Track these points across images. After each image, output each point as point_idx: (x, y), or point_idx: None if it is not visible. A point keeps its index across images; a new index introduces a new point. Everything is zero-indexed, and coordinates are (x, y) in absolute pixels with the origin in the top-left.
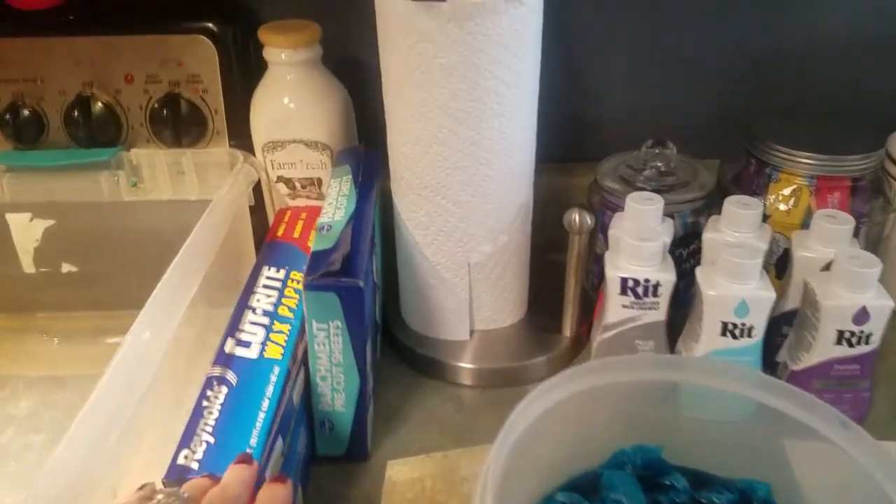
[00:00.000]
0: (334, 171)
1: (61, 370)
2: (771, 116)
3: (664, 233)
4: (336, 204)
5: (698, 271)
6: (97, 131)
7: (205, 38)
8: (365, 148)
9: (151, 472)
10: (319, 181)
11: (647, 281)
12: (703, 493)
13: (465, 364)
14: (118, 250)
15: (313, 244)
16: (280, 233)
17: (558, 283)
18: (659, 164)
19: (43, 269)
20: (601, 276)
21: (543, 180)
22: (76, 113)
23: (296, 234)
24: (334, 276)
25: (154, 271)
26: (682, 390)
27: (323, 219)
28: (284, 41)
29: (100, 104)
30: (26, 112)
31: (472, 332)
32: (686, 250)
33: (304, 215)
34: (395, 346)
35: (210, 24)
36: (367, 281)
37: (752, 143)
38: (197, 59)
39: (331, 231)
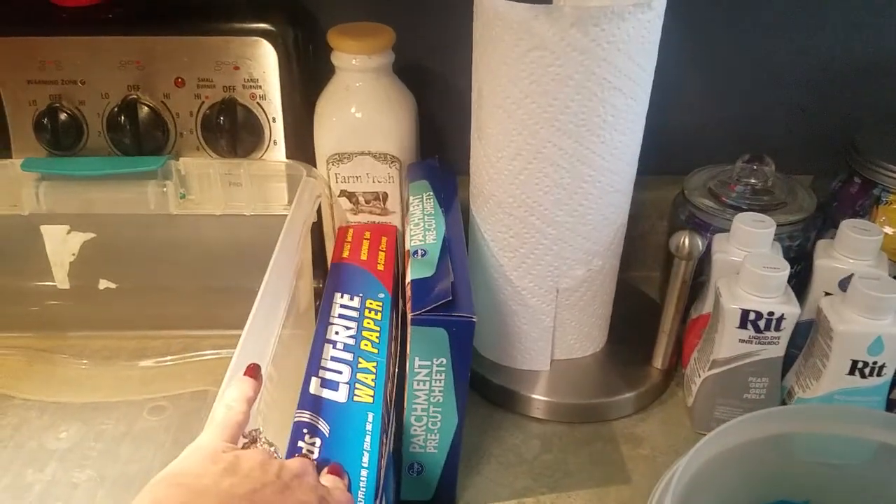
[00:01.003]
0: (412, 186)
1: (96, 396)
2: (875, 129)
3: (782, 259)
4: (424, 225)
5: (823, 303)
6: (143, 138)
7: (264, 40)
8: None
9: None
10: (385, 196)
11: (770, 314)
12: None
13: (546, 397)
14: (160, 267)
15: (411, 271)
16: (346, 254)
17: (635, 307)
18: (753, 181)
19: (78, 285)
20: (688, 302)
21: None
22: (122, 118)
23: (363, 256)
24: (445, 309)
25: (197, 290)
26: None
27: (413, 241)
28: (357, 46)
29: (146, 108)
30: (64, 115)
31: (551, 362)
32: None
33: (367, 234)
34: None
35: (270, 26)
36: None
37: (858, 159)
38: (255, 62)
39: (427, 257)
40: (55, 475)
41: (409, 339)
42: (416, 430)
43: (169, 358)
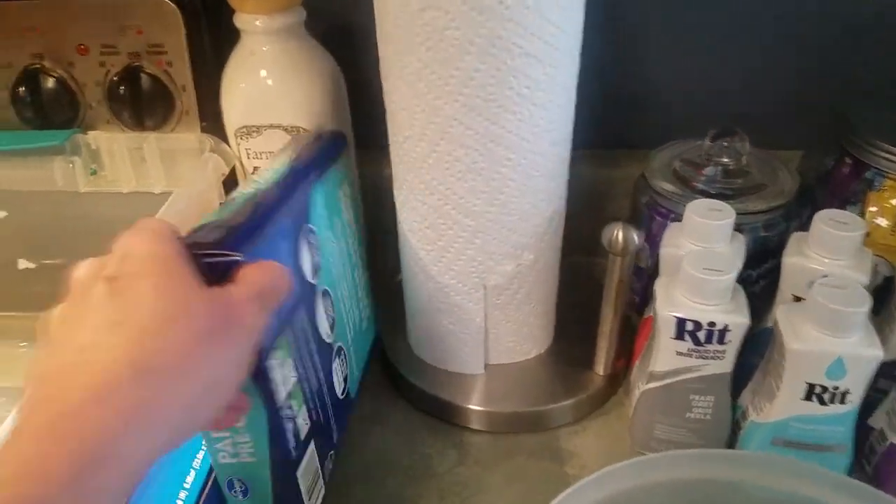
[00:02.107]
0: (279, 151)
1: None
2: (873, 103)
3: (735, 256)
4: (258, 179)
5: (779, 313)
6: (49, 111)
7: (168, 0)
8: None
9: None
10: None
11: (711, 325)
12: None
13: (475, 406)
14: (77, 246)
15: (209, 216)
16: None
17: (590, 301)
18: (726, 161)
19: None
20: (645, 296)
21: (577, 169)
22: (22, 89)
23: None
24: (214, 247)
25: None
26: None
27: (232, 194)
28: (257, 5)
29: (51, 79)
30: None
31: (486, 366)
32: (755, 272)
33: None
34: (391, 375)
35: None
36: (277, 255)
37: (850, 137)
38: (160, 25)
39: (233, 202)
40: None
41: None
42: (217, 433)
43: None
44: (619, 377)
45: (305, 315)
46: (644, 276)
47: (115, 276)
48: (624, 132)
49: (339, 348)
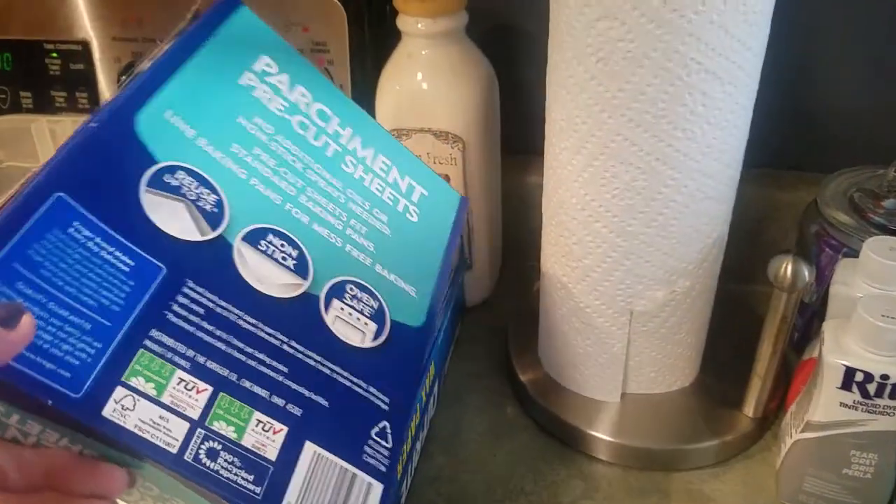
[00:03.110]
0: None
1: None
2: None
3: None
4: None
5: None
6: None
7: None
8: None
9: None
10: (447, 179)
11: (884, 378)
12: None
13: (607, 436)
14: None
15: None
16: None
17: (744, 333)
18: None
19: None
20: (806, 333)
21: (740, 189)
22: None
23: None
24: None
25: None
26: None
27: None
28: (422, 8)
29: None
30: None
31: (623, 394)
32: None
33: None
34: (518, 392)
35: None
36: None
37: None
38: (325, 24)
39: None
40: None
41: None
42: None
43: None
44: (768, 420)
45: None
46: (807, 312)
47: None
48: (797, 152)
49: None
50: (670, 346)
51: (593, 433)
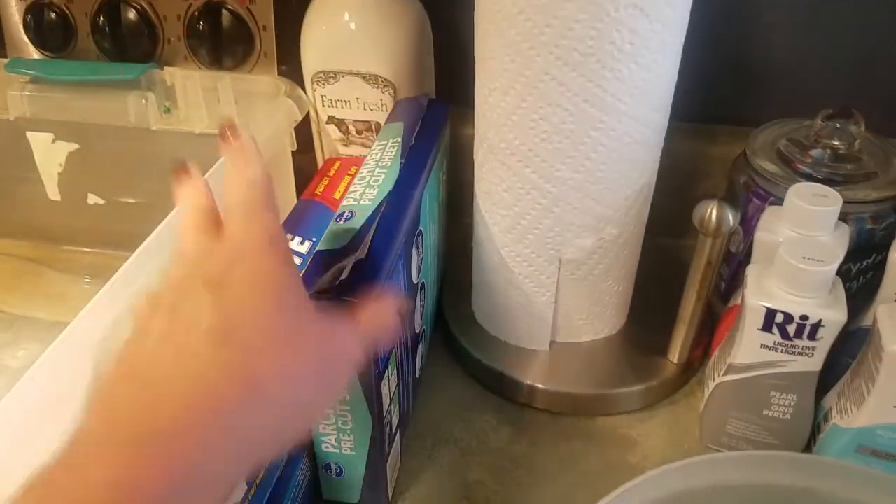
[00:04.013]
0: (384, 128)
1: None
2: None
3: (837, 247)
4: (370, 179)
5: (879, 312)
6: (128, 42)
7: None
8: (440, 96)
9: None
10: (378, 127)
11: (804, 318)
12: None
13: (535, 383)
14: (147, 184)
15: (323, 238)
16: (320, 190)
17: (671, 286)
18: (837, 144)
19: (68, 198)
20: (732, 283)
21: (670, 143)
22: (102, 19)
23: (337, 195)
24: (337, 293)
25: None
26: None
27: (347, 200)
28: None
29: (132, 10)
30: (52, 14)
31: (552, 343)
32: (856, 267)
33: (353, 169)
34: (451, 342)
35: None
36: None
37: None
38: None
39: (350, 221)
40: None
41: None
42: (325, 429)
43: None
44: (693, 367)
45: (418, 310)
46: (734, 262)
47: (222, 283)
48: (726, 106)
49: (422, 285)
50: (598, 294)
51: (523, 381)
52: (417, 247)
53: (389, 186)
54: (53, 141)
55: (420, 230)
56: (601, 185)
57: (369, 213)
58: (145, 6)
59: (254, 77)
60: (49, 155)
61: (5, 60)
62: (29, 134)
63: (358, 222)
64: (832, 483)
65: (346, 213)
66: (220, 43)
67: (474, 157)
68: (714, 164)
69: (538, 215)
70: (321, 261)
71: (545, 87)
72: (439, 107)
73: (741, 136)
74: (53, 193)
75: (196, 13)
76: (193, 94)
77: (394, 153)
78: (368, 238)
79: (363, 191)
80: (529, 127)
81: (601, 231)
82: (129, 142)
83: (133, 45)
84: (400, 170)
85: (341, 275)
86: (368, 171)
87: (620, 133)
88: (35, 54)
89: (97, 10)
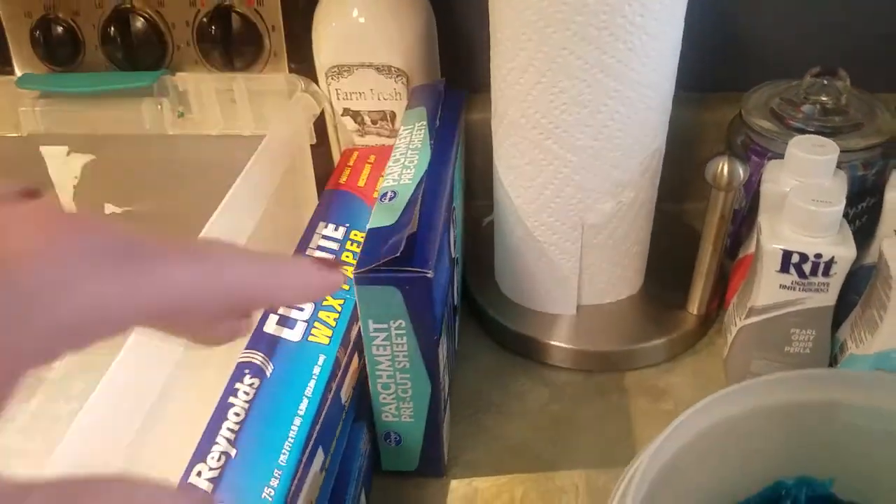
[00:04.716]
0: (406, 114)
1: None
2: None
3: (839, 190)
4: (404, 161)
5: (885, 244)
6: (138, 51)
7: None
8: (447, 84)
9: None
10: (393, 116)
11: (818, 256)
12: None
13: (566, 344)
14: (165, 190)
15: (372, 217)
16: (343, 179)
17: (681, 246)
18: (824, 99)
19: (84, 209)
20: (737, 239)
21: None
22: (113, 29)
23: (361, 183)
24: (394, 265)
25: (206, 215)
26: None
27: (386, 181)
28: None
29: (140, 20)
30: (59, 28)
31: (578, 307)
32: (852, 210)
33: (372, 158)
34: (478, 315)
35: None
36: (440, 266)
37: None
38: None
39: (395, 200)
40: (40, 407)
41: (357, 299)
42: (385, 398)
43: None
44: (711, 319)
45: (453, 284)
46: (737, 218)
47: None
48: (716, 74)
49: (457, 259)
50: (618, 257)
51: (554, 343)
52: (453, 222)
53: (425, 166)
54: (68, 154)
55: (454, 206)
56: (618, 152)
57: (411, 191)
58: (153, 14)
59: (268, 76)
60: (64, 168)
61: (14, 78)
62: (42, 148)
63: (402, 200)
64: (858, 393)
65: (389, 194)
66: (230, 45)
67: (493, 135)
68: (709, 130)
69: (560, 184)
70: (375, 238)
71: (563, 61)
72: (455, 91)
73: (733, 102)
74: (69, 207)
75: (204, 18)
76: (207, 97)
77: (422, 135)
78: (416, 213)
79: (400, 172)
80: (549, 100)
81: (619, 195)
82: (144, 149)
83: (143, 54)
84: (431, 150)
85: (398, 248)
86: (401, 154)
87: (634, 100)
88: (43, 70)
89: (107, 21)
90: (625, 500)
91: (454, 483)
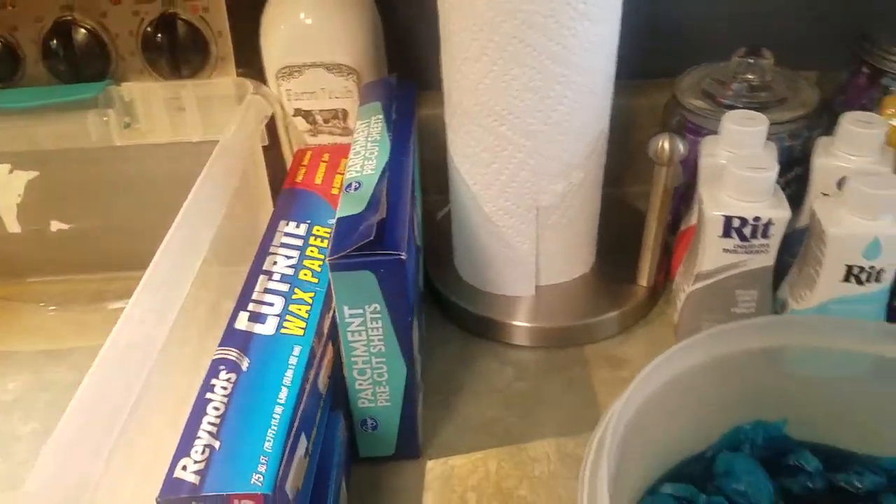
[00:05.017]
0: (361, 109)
1: (58, 343)
2: (889, 19)
3: (771, 158)
4: (365, 153)
5: (816, 205)
6: (81, 63)
7: None
8: (397, 78)
9: (148, 487)
10: (345, 114)
11: (756, 219)
12: (840, 475)
13: (526, 322)
14: (113, 203)
15: (339, 207)
16: (299, 178)
17: (625, 226)
18: (751, 77)
19: (29, 228)
20: (677, 215)
21: None
22: (55, 42)
23: (318, 181)
24: (369, 249)
25: (156, 226)
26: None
27: (350, 173)
28: None
29: (82, 31)
30: None
31: (536, 288)
32: (783, 179)
33: (326, 157)
34: (441, 303)
35: None
36: (410, 250)
37: (867, 47)
38: None
39: (360, 190)
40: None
41: (332, 286)
42: (361, 384)
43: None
44: (659, 290)
45: (419, 271)
46: (676, 196)
47: None
48: (648, 62)
49: (419, 247)
50: (571, 236)
51: (515, 323)
52: (416, 210)
53: (386, 157)
54: (11, 171)
55: (415, 195)
56: (567, 134)
57: (375, 180)
58: (95, 25)
59: (216, 81)
60: (6, 186)
61: None
62: None
63: (367, 190)
64: (802, 336)
65: (354, 184)
66: (176, 53)
67: (447, 126)
68: (645, 116)
69: (515, 168)
70: (346, 226)
71: (513, 49)
72: (407, 85)
73: (664, 87)
74: (12, 226)
75: (149, 27)
76: (155, 105)
77: (380, 128)
78: (383, 200)
79: (362, 163)
80: (501, 88)
81: (570, 176)
82: (91, 163)
83: (86, 66)
84: (390, 142)
85: (371, 232)
86: (361, 146)
87: (579, 84)
88: None
89: (47, 35)
90: (598, 460)
91: (430, 463)
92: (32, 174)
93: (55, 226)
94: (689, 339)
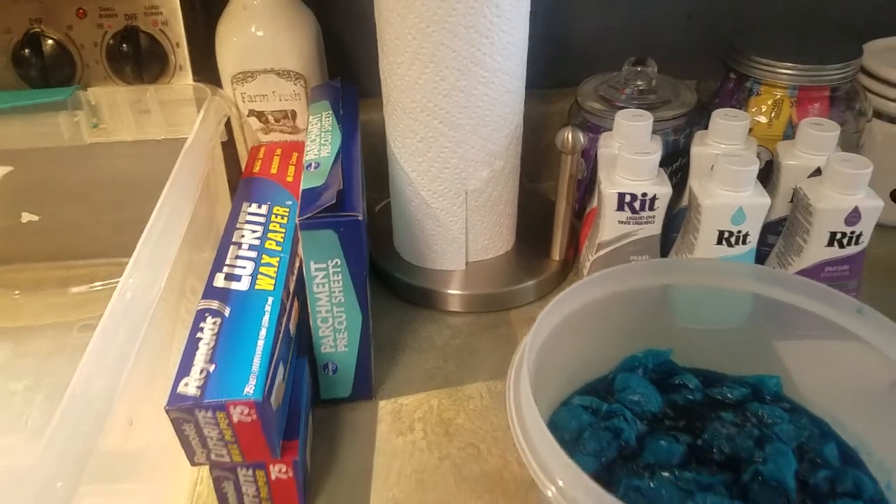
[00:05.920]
0: (312, 107)
1: (28, 322)
2: (753, 32)
3: (656, 146)
4: (320, 140)
5: (692, 183)
6: (50, 70)
7: None
8: (341, 82)
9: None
10: (294, 114)
11: (644, 195)
12: (714, 389)
13: (459, 291)
14: (80, 197)
15: (303, 183)
16: (257, 169)
17: (541, 213)
18: (640, 83)
19: (1, 221)
20: (583, 204)
21: None
22: (25, 51)
23: (273, 170)
24: (331, 211)
25: (119, 218)
26: (687, 294)
27: (308, 156)
28: None
29: (50, 41)
30: None
31: (466, 263)
32: (669, 169)
33: (279, 151)
34: (382, 279)
35: None
36: (363, 215)
37: (733, 56)
38: None
39: (319, 168)
40: None
41: (300, 245)
42: (324, 331)
43: (98, 283)
44: (570, 264)
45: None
46: (581, 187)
47: None
48: (554, 73)
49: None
50: (495, 217)
51: (450, 292)
52: (363, 188)
53: (339, 143)
54: None
55: (362, 178)
56: (490, 127)
57: (332, 161)
58: (62, 38)
59: (176, 86)
60: None
61: None
62: None
63: (325, 168)
64: (686, 276)
65: (314, 164)
66: (138, 62)
67: (386, 121)
68: (552, 119)
69: (446, 157)
70: (310, 195)
71: (441, 54)
72: (350, 88)
73: (568, 95)
74: None
75: (111, 39)
76: (122, 107)
77: (331, 121)
78: (339, 174)
79: (318, 149)
80: (433, 87)
81: (493, 164)
82: (61, 161)
83: (54, 73)
84: (341, 132)
85: (333, 197)
86: (316, 136)
87: (497, 84)
88: None
89: (18, 45)
90: (518, 378)
91: (382, 402)
92: (7, 169)
93: (26, 217)
94: (588, 277)
